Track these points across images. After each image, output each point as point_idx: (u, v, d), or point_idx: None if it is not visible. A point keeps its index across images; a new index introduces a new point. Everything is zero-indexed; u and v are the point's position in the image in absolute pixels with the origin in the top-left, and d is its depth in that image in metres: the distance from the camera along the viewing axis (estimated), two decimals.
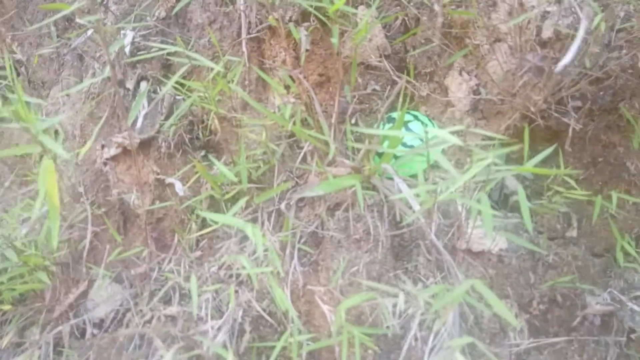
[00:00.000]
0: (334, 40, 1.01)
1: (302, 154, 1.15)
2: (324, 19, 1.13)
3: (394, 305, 0.92)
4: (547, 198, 1.19)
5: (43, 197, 0.76)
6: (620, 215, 1.20)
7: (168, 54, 1.42)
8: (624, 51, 1.16)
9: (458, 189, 1.01)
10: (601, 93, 1.21)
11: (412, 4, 1.29)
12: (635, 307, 1.11)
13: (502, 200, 1.28)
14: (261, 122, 1.20)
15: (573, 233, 1.20)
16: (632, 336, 1.10)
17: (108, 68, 1.04)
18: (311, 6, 1.07)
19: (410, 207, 1.02)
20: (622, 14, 1.21)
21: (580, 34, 0.79)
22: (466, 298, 0.89)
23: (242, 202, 0.97)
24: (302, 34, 1.19)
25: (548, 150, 0.95)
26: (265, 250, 1.17)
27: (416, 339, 0.98)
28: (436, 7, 1.08)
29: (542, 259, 1.17)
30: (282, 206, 1.13)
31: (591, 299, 1.14)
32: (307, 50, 1.21)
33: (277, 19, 1.09)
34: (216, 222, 1.21)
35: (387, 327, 0.92)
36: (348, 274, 1.07)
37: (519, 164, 1.19)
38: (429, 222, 1.11)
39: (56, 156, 1.26)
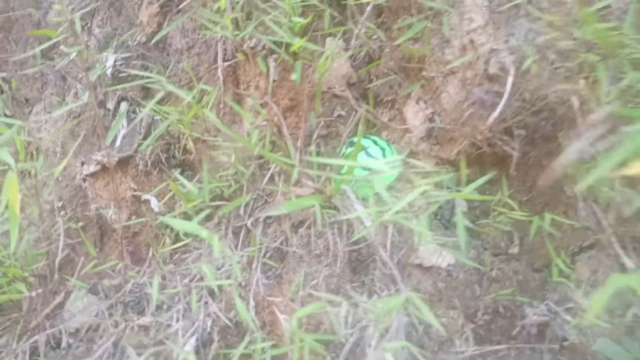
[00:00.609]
0: (296, 76, 1.11)
1: (268, 174, 1.25)
2: (287, 57, 1.23)
3: (345, 315, 1.02)
4: (492, 218, 1.31)
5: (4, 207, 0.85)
6: (558, 234, 1.32)
7: (147, 77, 1.51)
8: (562, 86, 1.30)
9: (402, 211, 1.11)
10: (542, 123, 1.34)
11: (373, 38, 1.40)
12: (568, 318, 1.23)
13: (454, 220, 1.39)
14: (233, 144, 1.29)
15: (515, 250, 1.32)
16: (564, 344, 1.21)
17: (87, 94, 1.12)
18: (275, 43, 1.17)
19: (365, 225, 1.12)
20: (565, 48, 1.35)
21: (507, 89, 0.91)
22: (412, 310, 0.99)
23: (203, 214, 1.06)
24: (270, 65, 1.29)
25: (485, 178, 1.07)
26: (230, 265, 1.26)
27: (368, 346, 1.08)
28: (385, 49, 1.20)
29: (487, 273, 1.28)
30: (249, 223, 1.23)
31: (529, 310, 1.25)
32: (274, 80, 1.32)
33: (246, 52, 1.19)
34: (187, 236, 1.30)
35: (335, 334, 1.02)
36: (308, 287, 1.16)
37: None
38: (384, 239, 1.22)
39: (37, 172, 1.34)
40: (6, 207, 0.88)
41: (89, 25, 1.80)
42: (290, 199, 1.17)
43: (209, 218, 1.33)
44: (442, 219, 1.34)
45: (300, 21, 1.02)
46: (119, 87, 1.44)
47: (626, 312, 1.26)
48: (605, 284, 0.69)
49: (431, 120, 1.38)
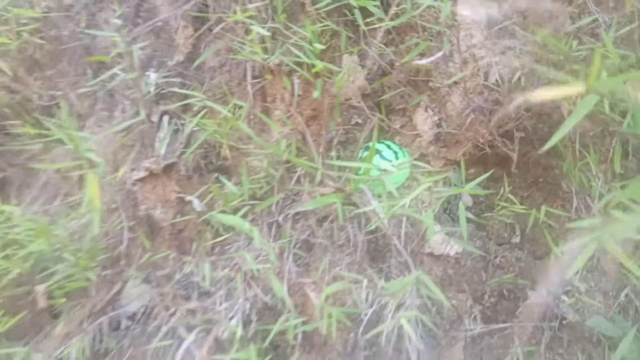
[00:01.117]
0: (317, 93, 1.30)
1: (295, 177, 1.44)
2: (309, 75, 1.42)
3: (366, 292, 1.20)
4: (496, 212, 1.47)
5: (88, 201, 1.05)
6: (556, 225, 1.47)
7: (189, 96, 1.72)
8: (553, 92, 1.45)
9: (413, 205, 1.28)
10: (540, 126, 1.50)
11: (384, 54, 1.58)
12: (565, 299, 1.38)
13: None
14: (263, 151, 1.49)
15: (517, 240, 1.48)
16: (563, 322, 1.37)
17: (134, 108, 1.34)
18: (297, 63, 1.37)
19: (380, 218, 1.30)
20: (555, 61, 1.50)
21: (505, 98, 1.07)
22: (424, 291, 1.16)
23: (244, 210, 1.25)
24: (295, 83, 1.48)
25: (484, 176, 1.24)
26: (265, 255, 1.46)
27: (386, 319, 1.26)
28: (395, 64, 1.37)
29: (492, 260, 1.44)
30: (280, 219, 1.42)
31: (531, 293, 1.41)
32: (299, 95, 1.51)
33: (272, 70, 1.38)
34: (226, 231, 1.50)
35: (357, 309, 1.19)
36: (333, 272, 1.34)
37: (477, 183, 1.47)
38: (398, 231, 1.39)
39: (99, 174, 1.56)
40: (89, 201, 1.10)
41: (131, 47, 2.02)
42: (314, 197, 1.35)
43: (245, 215, 1.53)
44: (451, 213, 1.51)
45: (321, 47, 1.20)
46: (171, 106, 1.65)
47: (619, 294, 1.41)
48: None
49: (438, 125, 1.55)
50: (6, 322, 1.45)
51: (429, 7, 1.41)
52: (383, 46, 1.36)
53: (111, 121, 1.93)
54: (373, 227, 1.25)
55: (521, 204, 1.52)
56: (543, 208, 1.35)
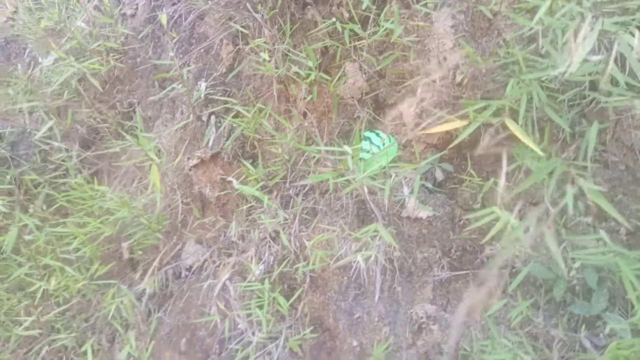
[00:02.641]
0: (312, 96, 1.75)
1: (302, 160, 1.90)
2: (309, 84, 1.87)
3: (340, 241, 1.64)
4: (464, 184, 1.84)
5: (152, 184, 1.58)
6: (506, 195, 1.82)
7: (229, 102, 2.22)
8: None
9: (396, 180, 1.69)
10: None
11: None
12: (517, 253, 1.73)
13: (436, 185, 1.94)
14: (281, 141, 1.95)
15: (477, 206, 1.84)
16: (513, 270, 1.72)
17: (190, 111, 1.85)
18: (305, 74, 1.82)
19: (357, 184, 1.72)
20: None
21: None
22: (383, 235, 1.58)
23: (259, 184, 1.74)
24: (302, 89, 1.94)
25: (437, 155, 1.62)
26: (286, 220, 1.93)
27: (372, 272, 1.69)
28: (360, 76, 1.79)
29: (457, 222, 1.82)
30: (291, 192, 1.89)
31: (487, 247, 1.77)
32: (305, 98, 1.96)
33: (289, 79, 1.85)
34: (257, 203, 2.00)
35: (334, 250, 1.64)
36: (329, 231, 1.79)
37: (443, 161, 1.85)
38: (382, 200, 1.81)
39: (161, 164, 2.11)
40: (153, 184, 1.63)
41: (187, 62, 2.57)
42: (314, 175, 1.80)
43: (269, 190, 2.01)
44: (429, 183, 1.90)
45: (310, 63, 1.65)
46: (214, 109, 2.17)
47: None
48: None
49: (420, 116, 1.94)
50: (102, 269, 2.04)
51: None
52: (370, 58, 1.78)
53: (173, 122, 2.49)
54: (349, 190, 1.66)
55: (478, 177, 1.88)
56: (492, 179, 1.71)
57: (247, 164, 1.89)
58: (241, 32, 2.18)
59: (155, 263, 2.05)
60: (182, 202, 2.27)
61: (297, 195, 1.93)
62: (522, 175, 1.67)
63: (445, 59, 1.88)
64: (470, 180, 1.81)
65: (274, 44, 1.92)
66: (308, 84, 1.94)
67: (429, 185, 1.82)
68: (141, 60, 2.73)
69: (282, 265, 1.88)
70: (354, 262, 1.49)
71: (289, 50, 1.92)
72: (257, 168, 1.92)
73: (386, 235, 1.43)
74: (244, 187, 1.50)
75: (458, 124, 1.11)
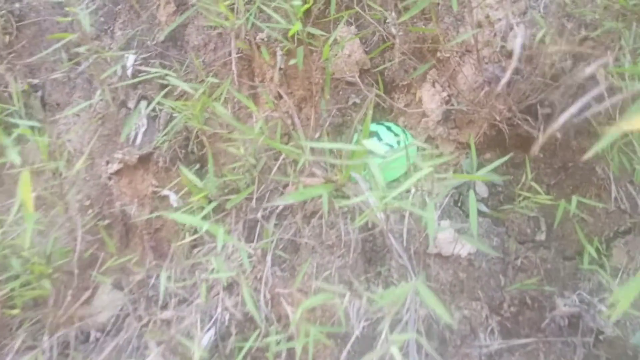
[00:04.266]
0: (296, 61, 1.09)
1: (277, 165, 1.23)
2: (293, 45, 1.21)
3: (357, 307, 0.99)
4: (516, 203, 1.24)
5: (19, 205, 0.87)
6: (590, 219, 1.23)
7: (166, 74, 1.52)
8: (588, 60, 1.20)
9: (412, 196, 1.06)
10: (569, 100, 1.25)
11: (386, 23, 1.35)
12: (603, 308, 1.14)
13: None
14: (244, 136, 1.28)
15: (542, 237, 1.24)
16: (600, 337, 1.13)
17: (99, 91, 1.15)
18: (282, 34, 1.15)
19: (370, 212, 1.08)
20: (588, 20, 1.25)
21: (517, 51, 0.84)
22: (426, 300, 0.95)
23: (210, 206, 1.06)
24: (277, 54, 1.27)
25: (501, 160, 1.01)
26: (250, 256, 1.26)
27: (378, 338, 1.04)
28: (393, 30, 1.14)
29: (512, 262, 1.21)
30: (259, 215, 1.22)
31: (560, 301, 1.17)
32: (281, 69, 1.30)
33: (258, 45, 1.17)
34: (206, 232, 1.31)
35: (340, 325, 0.99)
36: (321, 278, 1.14)
37: (492, 170, 1.23)
38: (400, 228, 1.18)
39: (59, 172, 1.38)
40: (21, 205, 0.92)
41: (111, 28, 1.85)
42: (299, 189, 1.14)
43: (225, 214, 1.34)
44: (463, 206, 1.28)
45: (299, 4, 0.99)
46: (125, 83, 1.47)
47: None
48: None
49: (448, 102, 1.32)
50: None
51: None
52: (376, 6, 1.14)
53: (88, 110, 1.77)
54: (363, 222, 1.03)
55: (547, 193, 1.28)
56: (574, 198, 1.11)
57: (188, 172, 1.20)
58: None
59: (47, 325, 1.33)
60: (96, 224, 1.55)
61: (268, 219, 1.26)
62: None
63: (487, 17, 1.26)
64: (529, 199, 1.21)
65: None
66: (285, 51, 1.28)
67: (475, 202, 1.20)
68: (48, 24, 1.98)
69: (242, 331, 1.21)
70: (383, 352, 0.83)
71: None
72: (205, 179, 1.24)
73: (435, 304, 0.79)
74: (177, 215, 0.84)
75: None
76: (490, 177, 0.98)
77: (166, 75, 1.42)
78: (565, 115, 0.58)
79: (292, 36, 1.23)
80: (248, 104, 1.12)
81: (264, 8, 1.13)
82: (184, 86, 1.12)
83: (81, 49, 1.44)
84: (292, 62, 1.19)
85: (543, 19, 1.09)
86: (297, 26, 0.96)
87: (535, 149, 0.68)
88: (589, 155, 0.64)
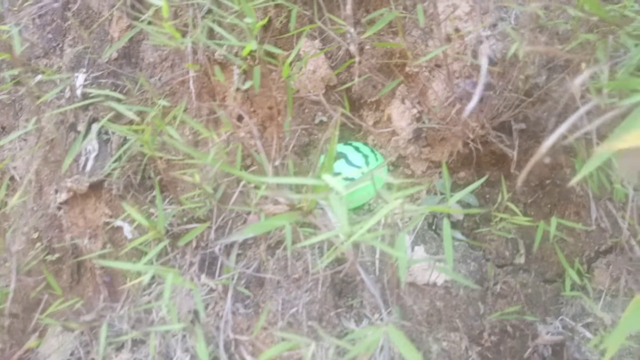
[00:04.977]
0: (252, 83, 1.00)
1: (236, 193, 1.14)
2: (251, 64, 1.12)
3: (324, 354, 0.90)
4: (493, 225, 1.17)
5: None
6: (570, 239, 1.17)
7: (114, 98, 1.41)
8: (563, 74, 1.15)
9: (387, 222, 0.98)
10: (544, 114, 1.19)
11: (347, 35, 1.28)
12: (588, 335, 1.07)
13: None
14: (202, 160, 1.18)
15: (521, 260, 1.17)
16: None
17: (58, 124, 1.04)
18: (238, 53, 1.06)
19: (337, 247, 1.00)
20: (561, 32, 1.20)
21: (483, 73, 0.77)
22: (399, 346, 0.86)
23: (159, 247, 0.95)
24: (234, 73, 1.18)
25: (477, 183, 0.94)
26: (212, 291, 1.16)
27: None
28: (352, 48, 1.07)
29: (491, 288, 1.14)
30: (216, 249, 1.12)
31: (542, 328, 1.11)
32: (238, 89, 1.21)
33: (219, 62, 1.08)
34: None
35: None
36: (287, 316, 1.04)
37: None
38: (372, 258, 1.10)
39: (3, 201, 1.26)
40: None
41: (60, 45, 1.72)
42: (260, 219, 1.05)
43: (179, 250, 1.23)
44: (437, 229, 1.20)
45: (254, 22, 0.90)
46: (74, 106, 1.36)
47: None
48: (626, 311, 0.55)
49: (419, 120, 1.25)
50: None
51: None
52: (340, 20, 1.06)
53: (35, 134, 1.63)
54: (331, 257, 0.95)
55: (524, 212, 1.23)
56: (553, 219, 1.05)
57: (133, 210, 1.09)
58: None
59: None
60: (44, 259, 1.42)
61: (230, 251, 1.16)
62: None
63: (456, 30, 1.20)
64: (506, 220, 1.14)
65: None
66: (243, 69, 1.19)
67: (449, 231, 1.13)
68: None
69: None
70: None
71: (211, 11, 1.16)
72: (134, 211, 1.13)
73: (409, 352, 0.71)
74: (116, 264, 0.74)
75: None
76: (464, 211, 0.91)
77: (115, 98, 1.31)
78: (554, 137, 0.51)
79: (249, 54, 1.15)
80: (200, 129, 1.02)
81: (214, 27, 1.04)
82: (128, 113, 1.02)
83: (15, 71, 1.32)
84: (248, 84, 1.10)
85: (515, 30, 1.04)
86: (250, 46, 0.88)
87: (520, 178, 0.61)
88: (576, 179, 0.57)
